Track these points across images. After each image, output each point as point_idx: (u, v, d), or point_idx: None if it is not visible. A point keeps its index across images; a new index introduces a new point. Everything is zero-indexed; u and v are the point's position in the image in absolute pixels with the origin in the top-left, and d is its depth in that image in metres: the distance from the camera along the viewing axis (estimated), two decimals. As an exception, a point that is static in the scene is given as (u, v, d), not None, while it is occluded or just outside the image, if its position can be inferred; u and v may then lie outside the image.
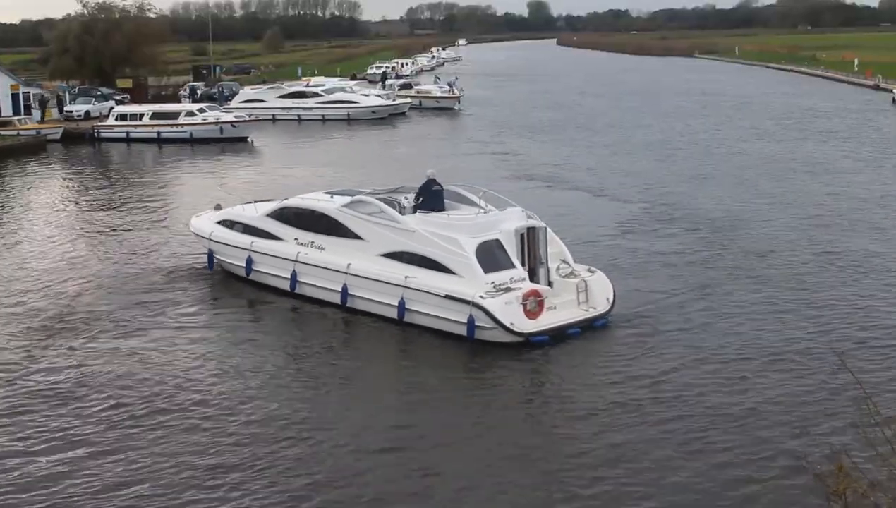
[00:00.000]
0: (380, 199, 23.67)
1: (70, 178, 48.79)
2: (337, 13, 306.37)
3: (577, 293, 21.69)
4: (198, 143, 59.39)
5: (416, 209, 23.33)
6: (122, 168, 52.90)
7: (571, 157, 49.85)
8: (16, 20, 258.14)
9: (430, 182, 23.58)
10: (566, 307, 21.42)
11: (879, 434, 10.45)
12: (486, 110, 78.01)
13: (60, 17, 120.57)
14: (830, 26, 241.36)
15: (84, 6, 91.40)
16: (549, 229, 22.62)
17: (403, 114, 75.51)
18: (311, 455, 15.69)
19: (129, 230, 33.76)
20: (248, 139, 61.05)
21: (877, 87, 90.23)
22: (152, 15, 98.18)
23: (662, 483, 14.54)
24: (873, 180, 41.10)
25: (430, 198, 23.37)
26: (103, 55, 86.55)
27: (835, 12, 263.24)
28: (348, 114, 72.55)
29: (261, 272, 25.24)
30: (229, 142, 59.43)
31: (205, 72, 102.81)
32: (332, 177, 40.51)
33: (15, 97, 66.77)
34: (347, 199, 24.22)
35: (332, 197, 25.04)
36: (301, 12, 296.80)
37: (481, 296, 20.42)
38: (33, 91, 71.03)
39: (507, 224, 22.16)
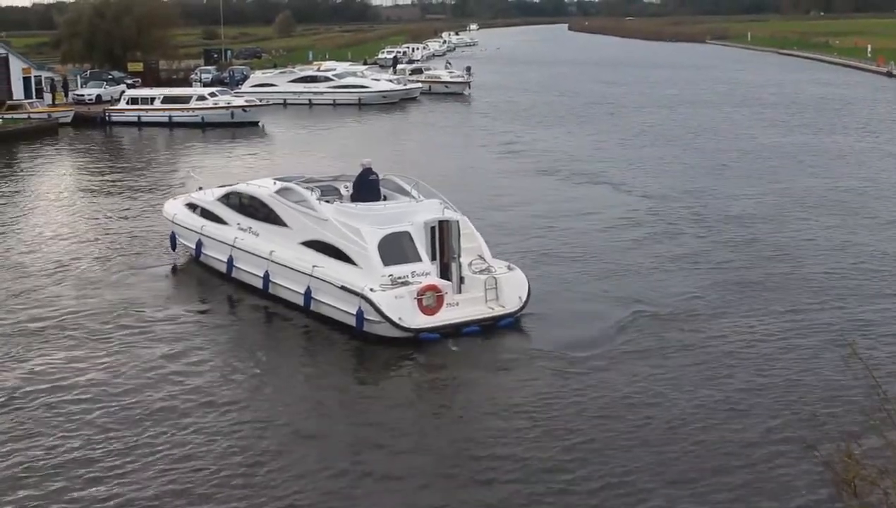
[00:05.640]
0: (319, 187, 23.53)
1: (78, 162, 48.94)
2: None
3: (486, 290, 20.94)
4: (209, 128, 59.44)
5: (353, 198, 23.02)
6: (131, 152, 53.01)
7: (577, 146, 49.65)
8: (27, 3, 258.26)
9: (367, 171, 23.10)
10: (471, 304, 20.73)
11: (889, 421, 10.44)
12: (495, 96, 77.81)
13: (72, 1, 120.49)
14: (844, 12, 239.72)
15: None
16: (467, 223, 22.02)
17: (414, 98, 75.49)
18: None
19: (122, 212, 34.17)
20: (259, 123, 61.07)
21: (889, 74, 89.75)
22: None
23: (656, 475, 14.58)
24: (886, 171, 40.95)
25: (366, 187, 22.96)
26: (114, 39, 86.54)
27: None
28: (359, 99, 72.48)
29: (207, 255, 25.61)
30: (240, 127, 59.46)
31: (216, 56, 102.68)
32: (339, 162, 40.42)
33: (27, 80, 66.77)
34: (279, 186, 24.16)
35: (275, 182, 24.95)
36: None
37: (371, 289, 20.04)
38: (45, 74, 71.06)
39: (418, 216, 21.64)
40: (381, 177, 23.38)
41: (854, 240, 28.19)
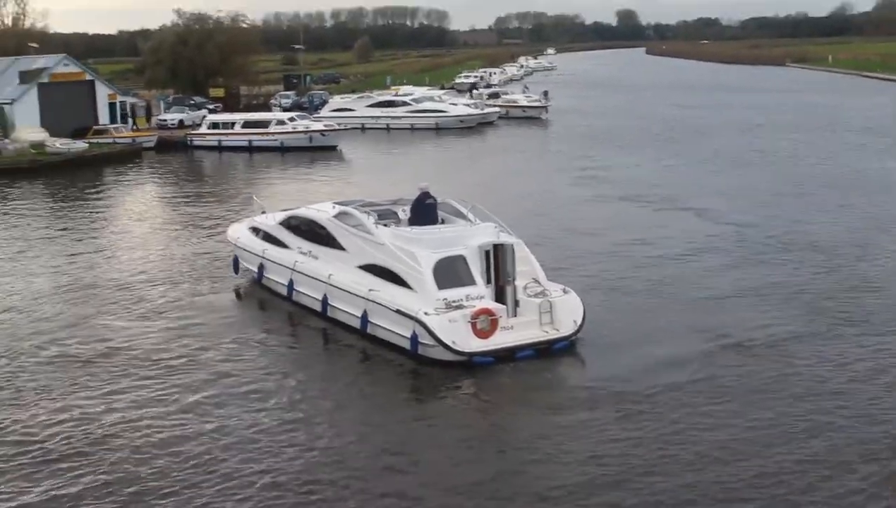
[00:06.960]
0: (377, 211, 23.64)
1: (159, 185, 50.12)
2: (426, 22, 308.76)
3: (540, 314, 20.80)
4: (288, 152, 60.23)
5: (410, 222, 23.11)
6: (211, 175, 54.00)
7: (655, 171, 49.15)
8: (113, 31, 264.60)
9: (424, 195, 23.20)
10: (525, 327, 20.61)
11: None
12: (572, 120, 77.52)
13: (156, 29, 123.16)
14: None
15: (179, 17, 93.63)
16: (522, 246, 21.96)
17: (492, 123, 75.59)
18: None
19: (194, 235, 34.88)
20: (337, 148, 61.67)
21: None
22: (245, 25, 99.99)
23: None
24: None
25: (424, 211, 23.03)
26: (196, 65, 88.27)
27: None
28: (437, 124, 72.80)
29: (269, 278, 25.94)
30: (319, 151, 60.13)
31: (295, 81, 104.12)
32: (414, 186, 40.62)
33: (112, 106, 68.45)
34: (337, 210, 24.35)
35: (333, 206, 25.11)
36: (390, 22, 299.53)
37: (425, 313, 20.04)
38: (130, 100, 72.73)
39: (473, 240, 21.67)
40: (438, 200, 23.47)
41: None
